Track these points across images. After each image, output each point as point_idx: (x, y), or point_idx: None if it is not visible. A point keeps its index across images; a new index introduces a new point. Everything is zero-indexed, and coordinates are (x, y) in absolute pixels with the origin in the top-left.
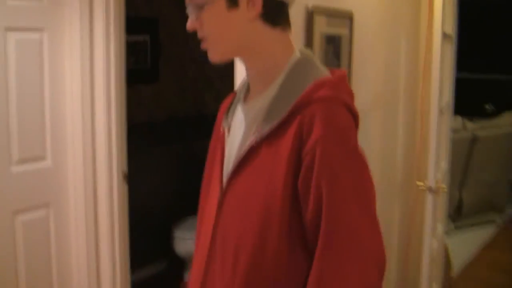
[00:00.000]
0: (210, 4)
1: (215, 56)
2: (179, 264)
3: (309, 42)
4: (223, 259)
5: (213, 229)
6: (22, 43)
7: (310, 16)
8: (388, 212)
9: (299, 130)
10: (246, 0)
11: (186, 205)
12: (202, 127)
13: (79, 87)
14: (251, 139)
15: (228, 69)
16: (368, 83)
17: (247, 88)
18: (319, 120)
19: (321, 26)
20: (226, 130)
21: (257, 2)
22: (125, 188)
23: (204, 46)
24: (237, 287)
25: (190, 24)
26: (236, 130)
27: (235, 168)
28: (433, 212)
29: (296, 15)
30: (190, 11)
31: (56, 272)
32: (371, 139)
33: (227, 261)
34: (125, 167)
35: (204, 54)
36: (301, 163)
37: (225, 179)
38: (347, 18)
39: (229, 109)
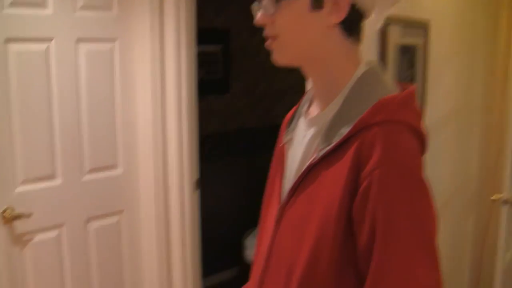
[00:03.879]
0: (292, 0)
1: (281, 59)
2: (249, 272)
3: (383, 53)
4: (277, 276)
5: (270, 245)
6: (93, 53)
7: (384, 26)
8: (461, 226)
9: (359, 153)
10: (332, 4)
11: (256, 215)
12: (272, 139)
13: (150, 97)
14: (311, 158)
15: (299, 82)
16: (443, 94)
17: (310, 101)
18: (379, 145)
19: (396, 37)
20: (287, 144)
21: (343, 8)
22: (196, 196)
23: (270, 45)
24: None
25: (260, 18)
26: (297, 146)
27: (294, 186)
28: (507, 225)
29: (371, 26)
30: (264, 4)
31: (128, 278)
32: (444, 153)
33: (280, 279)
34: (196, 176)
35: (274, 66)
36: (358, 188)
37: (284, 195)
38: (423, 27)
39: (291, 123)
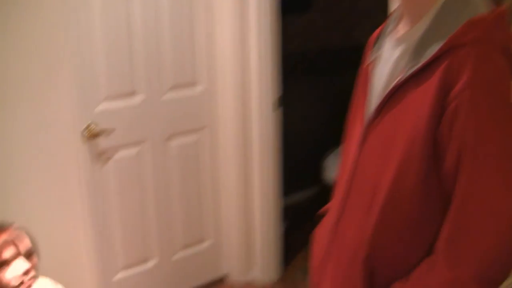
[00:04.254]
0: None
1: None
2: (329, 192)
3: None
4: (361, 196)
5: (353, 166)
6: None
7: None
8: None
9: (447, 73)
10: None
11: (338, 134)
12: (355, 59)
13: (230, 13)
14: (397, 78)
15: (382, 1)
16: None
17: (398, 20)
18: (470, 65)
19: None
20: (372, 64)
21: None
22: (277, 114)
23: None
24: (370, 226)
25: None
26: (383, 65)
27: (380, 106)
28: None
29: None
30: None
31: (207, 194)
32: None
33: (364, 199)
34: (277, 94)
35: None
36: (446, 108)
37: (368, 116)
38: None
39: (376, 42)
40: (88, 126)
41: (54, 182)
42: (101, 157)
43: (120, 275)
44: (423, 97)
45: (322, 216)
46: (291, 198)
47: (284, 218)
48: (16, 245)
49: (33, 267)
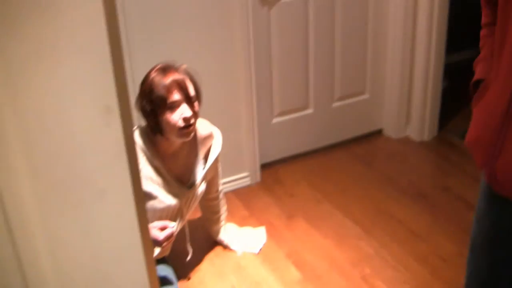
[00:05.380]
0: None
1: None
2: None
3: None
4: None
5: None
6: None
7: None
8: None
9: None
10: None
11: None
12: None
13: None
14: None
15: None
16: None
17: None
18: None
19: None
20: None
21: None
22: None
23: None
24: None
25: None
26: None
27: None
28: None
29: None
30: None
31: (374, 48)
32: None
33: None
34: None
35: None
36: None
37: None
38: None
39: None
40: None
41: (219, 24)
42: (267, 0)
43: (279, 119)
44: None
45: (477, 83)
46: (456, 57)
47: (444, 77)
48: (183, 89)
49: (197, 112)
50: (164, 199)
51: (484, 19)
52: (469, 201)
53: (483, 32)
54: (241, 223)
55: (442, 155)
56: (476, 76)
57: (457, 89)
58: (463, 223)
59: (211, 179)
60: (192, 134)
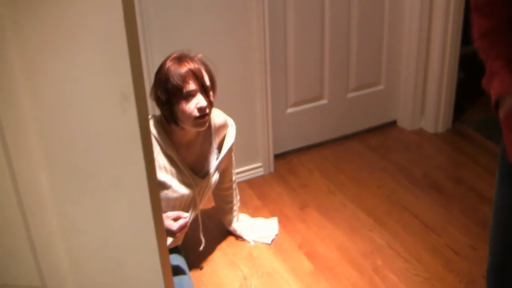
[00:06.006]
0: None
1: None
2: None
3: None
4: None
5: None
6: None
7: None
8: None
9: None
10: None
11: None
12: None
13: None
14: None
15: None
16: None
17: None
18: None
19: None
20: None
21: None
22: None
23: None
24: None
25: None
26: None
27: None
28: None
29: None
30: None
31: (390, 39)
32: None
33: None
34: None
35: None
36: None
37: None
38: None
39: None
40: None
41: (235, 13)
42: None
43: (293, 109)
44: None
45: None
46: (471, 48)
47: (460, 69)
48: (199, 78)
49: (212, 102)
50: (178, 188)
51: (483, 28)
52: (482, 194)
53: (483, 43)
54: (254, 213)
55: (456, 147)
56: (497, 93)
57: (472, 80)
58: (476, 216)
59: (225, 168)
60: (207, 124)
